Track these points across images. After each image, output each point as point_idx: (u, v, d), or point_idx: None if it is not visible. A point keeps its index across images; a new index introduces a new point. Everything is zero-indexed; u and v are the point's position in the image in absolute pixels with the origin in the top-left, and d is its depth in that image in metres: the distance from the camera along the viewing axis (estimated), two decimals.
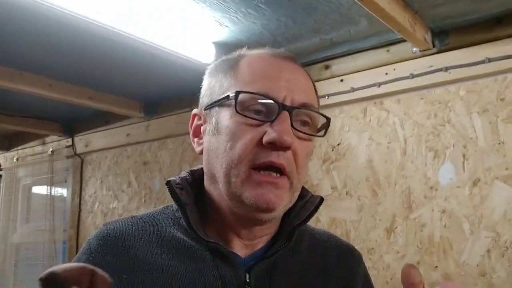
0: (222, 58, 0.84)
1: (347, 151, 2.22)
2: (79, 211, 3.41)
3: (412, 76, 2.05)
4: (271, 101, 0.73)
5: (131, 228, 0.79)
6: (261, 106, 0.73)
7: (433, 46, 2.00)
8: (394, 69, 2.11)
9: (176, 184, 0.79)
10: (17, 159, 3.93)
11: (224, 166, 0.74)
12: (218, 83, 0.79)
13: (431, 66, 2.02)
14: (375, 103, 2.17)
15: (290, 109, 0.73)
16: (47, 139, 3.72)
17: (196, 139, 0.82)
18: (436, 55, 2.01)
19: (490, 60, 1.88)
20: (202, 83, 0.84)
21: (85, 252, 0.77)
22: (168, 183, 0.78)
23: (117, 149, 3.26)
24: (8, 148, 4.03)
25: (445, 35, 1.99)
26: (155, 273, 0.74)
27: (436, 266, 1.92)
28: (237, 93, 0.73)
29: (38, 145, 3.79)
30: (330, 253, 0.88)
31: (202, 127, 0.81)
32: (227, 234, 0.78)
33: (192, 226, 0.76)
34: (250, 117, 0.73)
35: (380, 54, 2.14)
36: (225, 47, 2.12)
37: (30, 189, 3.92)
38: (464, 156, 1.92)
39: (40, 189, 3.84)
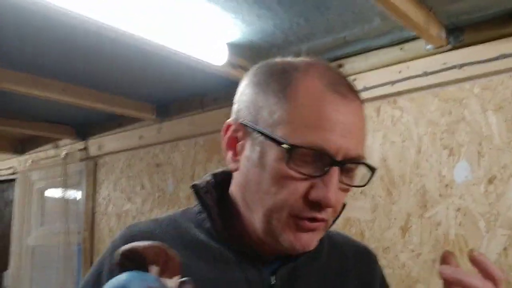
0: (270, 64, 0.77)
1: None
2: (93, 214, 3.44)
3: (426, 74, 2.04)
4: (324, 155, 0.69)
5: (155, 230, 0.79)
6: (312, 157, 0.70)
7: (448, 43, 1.98)
8: (408, 67, 2.10)
9: (201, 188, 0.79)
10: (30, 163, 3.96)
11: (266, 207, 0.72)
12: (266, 106, 0.73)
13: (445, 64, 2.00)
14: (388, 102, 2.16)
15: (341, 165, 0.70)
16: (60, 143, 3.75)
17: (230, 153, 0.78)
18: (450, 52, 2.00)
19: (505, 56, 1.87)
20: (245, 82, 0.79)
21: (110, 254, 0.76)
22: (194, 186, 0.79)
23: (130, 151, 3.27)
24: (21, 152, 4.06)
25: (460, 32, 1.97)
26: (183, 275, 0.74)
27: None
28: (292, 147, 0.68)
29: (51, 148, 3.82)
30: (347, 255, 0.89)
31: (239, 143, 0.76)
32: (251, 239, 0.78)
33: (217, 229, 0.76)
34: (300, 172, 0.69)
35: (394, 52, 2.13)
36: (238, 48, 2.12)
37: (43, 192, 3.95)
38: (479, 153, 1.91)
39: (54, 192, 3.87)
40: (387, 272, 2.02)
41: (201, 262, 0.75)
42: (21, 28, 1.94)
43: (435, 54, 2.04)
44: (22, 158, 4.07)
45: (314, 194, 0.69)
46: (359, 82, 2.22)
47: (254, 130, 0.73)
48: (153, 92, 2.80)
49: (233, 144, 0.77)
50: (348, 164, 0.71)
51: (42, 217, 3.91)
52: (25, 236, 3.96)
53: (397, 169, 2.09)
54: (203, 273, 0.74)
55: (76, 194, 3.63)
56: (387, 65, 2.15)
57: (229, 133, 0.77)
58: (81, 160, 3.55)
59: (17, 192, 4.13)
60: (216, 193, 0.80)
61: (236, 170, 0.77)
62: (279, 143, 0.69)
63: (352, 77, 2.24)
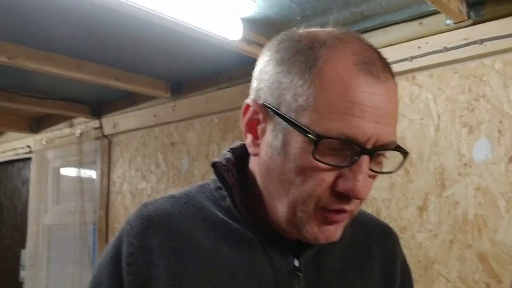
0: (294, 38, 0.69)
1: None
2: (108, 192, 3.45)
3: (446, 49, 1.98)
4: (353, 144, 0.63)
5: (173, 208, 0.76)
6: (340, 146, 0.64)
7: (468, 18, 1.92)
8: (427, 43, 2.04)
9: (223, 166, 0.75)
10: (46, 142, 3.99)
11: (291, 198, 0.67)
12: (290, 88, 0.66)
13: (465, 39, 1.94)
14: (407, 78, 2.11)
15: (371, 153, 0.64)
16: (75, 121, 3.76)
17: (251, 137, 0.72)
18: (471, 27, 1.94)
19: None
20: (265, 58, 0.72)
21: (128, 235, 0.73)
22: (214, 165, 0.75)
23: (145, 130, 3.27)
24: (36, 130, 4.09)
25: (481, 6, 1.91)
26: (204, 257, 0.71)
27: (470, 245, 1.87)
28: (319, 138, 0.62)
29: (66, 127, 3.84)
30: (371, 234, 0.86)
31: (260, 126, 0.70)
32: (272, 219, 0.74)
33: (239, 209, 0.73)
34: (325, 163, 0.64)
35: (413, 27, 2.07)
36: (253, 23, 2.08)
37: (59, 171, 3.98)
38: (499, 131, 1.85)
39: (69, 171, 3.90)
40: (404, 252, 2.01)
41: (223, 245, 0.73)
42: (34, 4, 1.92)
43: (455, 29, 1.97)
44: (38, 136, 4.10)
45: (343, 186, 0.64)
46: None
47: (277, 114, 0.67)
48: (167, 69, 2.78)
49: (253, 126, 0.71)
50: (379, 151, 0.66)
51: (58, 196, 3.95)
52: (42, 215, 4.01)
53: (415, 148, 2.05)
54: (227, 255, 0.72)
55: (91, 173, 3.65)
56: (406, 41, 2.09)
57: (248, 114, 0.71)
58: (96, 138, 3.56)
59: (33, 171, 4.17)
60: (236, 170, 0.77)
61: (256, 154, 0.72)
62: (304, 131, 0.63)
63: None
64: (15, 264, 4.21)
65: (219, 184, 0.77)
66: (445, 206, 1.95)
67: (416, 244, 2.00)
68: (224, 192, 0.75)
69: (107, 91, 3.08)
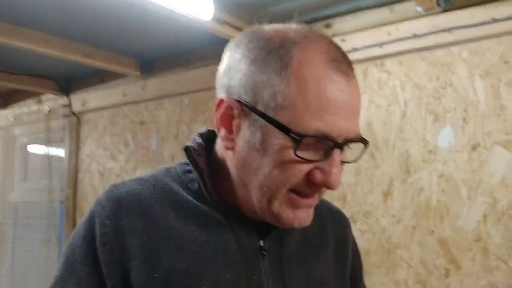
0: (264, 37, 0.72)
1: None
2: (76, 171, 3.40)
3: (415, 36, 1.99)
4: (327, 140, 0.69)
5: (143, 190, 0.78)
6: (314, 141, 0.69)
7: (438, 5, 1.93)
8: (397, 29, 2.04)
9: (195, 150, 0.78)
10: (13, 118, 3.90)
11: (265, 189, 0.72)
12: (267, 87, 0.69)
13: (434, 27, 1.95)
14: (376, 64, 2.12)
15: (341, 146, 0.70)
16: (43, 98, 3.68)
17: (224, 131, 0.74)
18: (440, 15, 1.95)
19: (495, 20, 1.82)
20: (235, 56, 0.74)
21: (99, 216, 0.74)
22: (187, 149, 0.79)
23: (114, 108, 3.21)
24: (3, 106, 3.98)
25: None
26: (175, 237, 0.74)
27: (432, 231, 1.90)
28: (302, 137, 0.67)
29: (34, 103, 3.75)
30: (325, 216, 0.91)
31: (234, 122, 0.73)
32: (239, 202, 0.78)
33: (208, 192, 0.76)
34: (306, 159, 0.68)
35: (383, 13, 2.08)
36: (224, 4, 2.05)
37: (26, 148, 3.91)
38: (464, 120, 1.88)
39: (37, 148, 3.82)
40: (367, 236, 2.04)
41: (192, 225, 0.75)
42: None
43: (425, 16, 1.98)
44: (4, 112, 4.00)
45: (319, 178, 0.69)
46: (347, 43, 2.17)
47: (255, 112, 0.70)
48: (137, 47, 2.73)
49: (227, 121, 0.74)
50: (348, 143, 0.71)
51: (25, 173, 3.88)
52: (8, 192, 3.93)
53: (381, 133, 2.06)
54: (197, 236, 0.75)
55: (59, 151, 3.59)
56: (376, 26, 2.10)
57: (221, 109, 0.74)
58: (64, 116, 3.49)
59: None
60: (207, 155, 0.80)
61: (231, 149, 0.75)
62: (286, 130, 0.67)
63: (340, 37, 2.19)
64: None
65: (187, 168, 0.80)
66: (409, 192, 1.98)
67: (380, 229, 2.03)
68: (193, 175, 0.78)
69: (76, 68, 3.02)
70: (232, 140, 0.74)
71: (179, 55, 2.80)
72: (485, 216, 1.80)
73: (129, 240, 0.72)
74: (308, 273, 0.81)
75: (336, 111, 0.67)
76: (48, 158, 3.63)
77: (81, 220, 0.78)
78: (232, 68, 0.73)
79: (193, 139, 0.82)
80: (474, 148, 1.85)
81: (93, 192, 3.28)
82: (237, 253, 0.75)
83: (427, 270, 1.90)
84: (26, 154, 3.90)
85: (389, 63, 2.08)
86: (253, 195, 0.74)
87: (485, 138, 1.83)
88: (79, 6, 2.14)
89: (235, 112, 0.72)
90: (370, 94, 2.11)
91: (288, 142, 0.67)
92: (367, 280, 2.05)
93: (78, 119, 3.43)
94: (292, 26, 0.74)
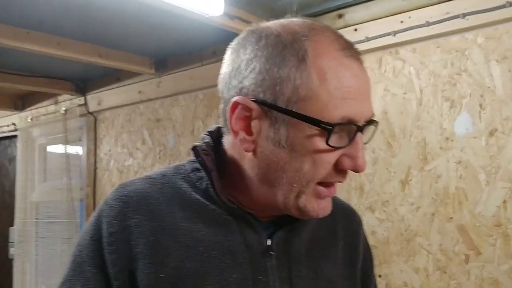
0: (272, 34, 0.71)
1: None
2: (95, 169, 3.45)
3: (428, 23, 1.98)
4: (351, 124, 0.70)
5: (151, 189, 0.77)
6: (339, 127, 0.69)
7: None
8: (410, 17, 2.03)
9: (203, 150, 0.78)
10: (31, 119, 3.96)
11: (294, 184, 0.71)
12: (288, 81, 0.68)
13: (447, 13, 1.94)
14: (390, 52, 2.11)
15: (363, 129, 0.71)
16: (60, 98, 3.73)
17: (243, 134, 0.72)
18: (453, 1, 1.93)
19: (511, 4, 1.80)
20: (244, 57, 0.72)
21: (107, 215, 0.75)
22: (194, 149, 0.78)
23: (130, 106, 3.25)
24: (21, 108, 4.05)
25: None
26: (182, 237, 0.74)
27: (451, 218, 1.90)
28: (333, 126, 0.67)
29: (51, 104, 3.81)
30: (335, 215, 0.89)
31: (253, 123, 0.71)
32: (249, 203, 0.78)
33: (217, 192, 0.75)
34: (337, 147, 0.69)
35: (395, 1, 2.06)
36: (232, 0, 2.05)
37: (45, 148, 3.97)
38: (481, 105, 1.87)
39: (55, 148, 3.88)
40: (386, 225, 2.04)
41: (200, 225, 0.75)
42: None
43: (438, 3, 1.96)
44: (23, 114, 4.06)
45: (347, 164, 0.70)
46: (360, 33, 2.16)
47: (276, 109, 0.69)
48: (151, 45, 2.75)
49: (245, 123, 0.72)
50: (367, 126, 0.72)
51: (45, 173, 3.94)
52: (29, 192, 4.00)
53: (398, 122, 2.06)
54: (204, 235, 0.74)
55: (77, 150, 3.64)
56: (389, 15, 2.09)
57: (237, 111, 0.72)
58: (81, 115, 3.54)
59: (19, 149, 4.14)
60: (216, 155, 0.79)
61: (251, 151, 0.73)
62: (316, 122, 0.67)
63: (353, 28, 2.18)
64: (4, 241, 4.22)
65: (196, 166, 0.79)
66: (427, 180, 1.97)
67: (399, 217, 2.03)
68: (201, 174, 0.77)
69: (91, 68, 3.05)
70: (253, 142, 0.72)
71: (192, 52, 2.82)
72: (504, 202, 1.79)
73: (136, 240, 0.73)
74: (316, 272, 0.81)
75: (356, 96, 0.69)
76: (67, 157, 3.69)
77: (89, 219, 0.79)
78: (242, 69, 0.72)
79: (202, 138, 0.81)
80: (492, 133, 1.84)
81: (112, 189, 3.31)
82: (244, 254, 0.75)
83: (447, 256, 1.90)
84: (45, 154, 3.96)
85: (403, 51, 2.07)
86: (279, 193, 0.73)
87: (502, 123, 1.81)
88: (91, 8, 2.16)
89: (253, 113, 0.71)
90: (386, 82, 2.11)
91: (317, 133, 0.68)
92: (387, 268, 2.07)
93: (95, 118, 3.47)
94: (295, 21, 0.73)
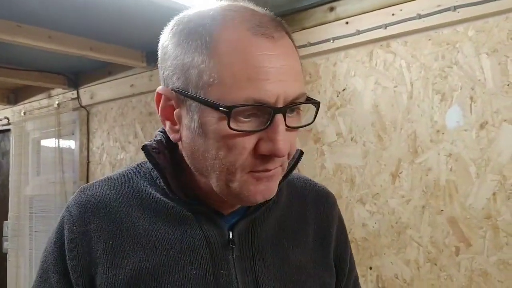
0: (185, 20, 0.71)
1: (352, 97, 2.18)
2: (88, 163, 3.45)
3: (420, 16, 1.98)
4: (264, 107, 0.65)
5: (110, 192, 0.77)
6: (253, 111, 0.66)
7: None
8: (401, 10, 2.03)
9: (153, 148, 0.76)
10: (24, 113, 3.94)
11: (217, 172, 0.69)
12: (193, 68, 0.67)
13: (439, 6, 1.94)
14: (381, 45, 2.11)
15: (283, 110, 0.66)
16: (53, 92, 3.72)
17: (168, 123, 0.72)
18: None
19: None
20: (163, 45, 0.73)
21: (68, 222, 0.76)
22: (144, 147, 0.76)
23: (122, 100, 3.24)
24: (14, 102, 4.04)
25: None
26: (140, 237, 0.74)
27: (442, 210, 1.91)
28: (231, 109, 0.64)
29: (44, 98, 3.79)
30: (307, 199, 0.89)
31: (175, 112, 0.71)
32: (207, 196, 0.76)
33: (172, 189, 0.74)
34: (243, 130, 0.66)
35: None
36: None
37: (39, 142, 3.96)
38: (471, 98, 1.87)
39: (48, 142, 3.87)
40: (377, 218, 2.05)
41: (159, 223, 0.75)
42: None
43: None
44: (16, 108, 4.05)
45: (264, 148, 0.66)
46: (352, 26, 2.16)
47: (187, 96, 0.68)
48: (142, 39, 2.73)
49: (169, 113, 0.72)
50: (290, 107, 0.67)
51: (38, 167, 3.94)
52: (23, 186, 4.00)
53: (389, 115, 2.06)
54: (163, 234, 0.74)
55: (70, 144, 3.63)
56: (380, 8, 2.08)
57: (162, 103, 0.72)
58: (74, 109, 3.53)
59: (12, 143, 4.13)
60: (168, 151, 0.77)
61: (178, 140, 0.73)
62: (216, 106, 0.64)
63: (344, 21, 2.18)
64: None
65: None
66: (417, 173, 1.98)
67: (389, 210, 2.04)
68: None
69: (83, 62, 3.04)
70: (178, 131, 0.71)
71: None
72: (494, 194, 1.80)
73: (95, 246, 0.73)
74: (283, 259, 0.80)
75: (266, 76, 0.64)
76: (60, 151, 3.68)
77: (55, 225, 0.79)
78: (162, 59, 0.72)
79: (154, 136, 0.80)
80: (482, 126, 1.84)
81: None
82: (204, 249, 0.74)
83: (438, 248, 1.91)
84: (39, 148, 3.95)
85: (394, 44, 2.07)
86: (212, 181, 0.71)
87: (493, 116, 1.82)
88: (83, 1, 2.15)
89: (173, 102, 0.70)
90: (376, 76, 2.11)
91: (223, 117, 0.65)
92: (378, 260, 2.07)
93: (88, 112, 3.47)
94: (216, 4, 0.71)
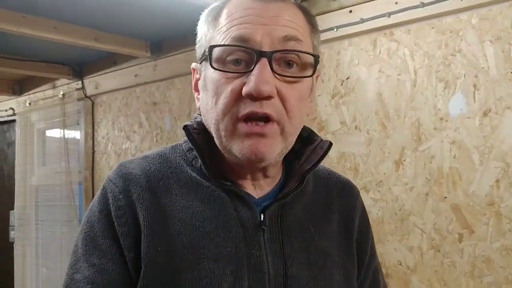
0: (210, 5, 0.81)
1: (356, 85, 2.19)
2: (93, 153, 3.47)
3: (423, 4, 1.98)
4: (246, 49, 0.71)
5: (149, 167, 0.81)
6: (240, 55, 0.72)
7: None
8: None
9: (194, 129, 0.80)
10: (29, 104, 3.96)
11: (213, 122, 0.74)
12: (204, 36, 0.78)
13: None
14: (385, 34, 2.11)
15: (268, 54, 0.70)
16: (58, 83, 3.73)
17: (196, 94, 0.83)
18: None
19: None
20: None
21: (112, 191, 0.78)
22: (185, 127, 0.79)
23: (126, 90, 3.26)
24: (19, 93, 4.06)
25: None
26: (178, 212, 0.76)
27: (445, 197, 1.93)
28: (210, 48, 0.73)
29: (49, 88, 3.81)
30: (331, 189, 0.92)
31: (198, 82, 0.81)
32: (238, 176, 0.80)
33: (209, 169, 0.78)
34: (227, 71, 0.72)
35: None
36: None
37: (44, 132, 3.98)
38: (475, 86, 1.88)
39: (54, 132, 3.89)
40: (380, 205, 2.07)
41: (196, 201, 0.78)
42: None
43: None
44: (21, 99, 4.07)
45: (245, 88, 0.70)
46: (355, 14, 2.16)
47: (201, 61, 0.78)
48: (146, 29, 2.75)
49: (196, 84, 0.82)
50: (277, 52, 0.71)
51: (44, 157, 3.96)
52: (29, 176, 4.03)
53: (392, 103, 2.07)
54: (199, 211, 0.77)
55: (75, 134, 3.66)
56: None
57: (194, 77, 0.83)
58: (79, 99, 3.55)
59: (18, 133, 4.16)
60: (206, 133, 0.80)
61: (199, 106, 0.81)
62: (203, 54, 0.76)
63: (348, 9, 2.19)
64: (5, 224, 4.26)
65: (190, 145, 0.81)
66: (420, 160, 1.99)
67: (393, 197, 2.06)
68: (196, 153, 0.80)
69: (88, 52, 3.05)
70: (199, 99, 0.81)
71: (187, 35, 2.81)
72: (497, 181, 1.82)
73: (140, 214, 0.75)
74: (310, 244, 0.82)
75: (248, 21, 0.72)
76: (65, 141, 3.70)
77: (94, 199, 0.81)
78: (197, 39, 0.83)
79: (194, 117, 0.84)
80: (486, 114, 1.85)
81: (112, 169, 3.34)
82: (238, 228, 0.77)
83: (441, 235, 1.93)
84: (44, 139, 3.98)
85: (398, 32, 2.08)
86: (214, 137, 0.76)
87: (496, 103, 1.83)
88: None
89: (198, 73, 0.81)
90: (380, 64, 2.12)
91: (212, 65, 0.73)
92: (382, 247, 2.09)
93: (92, 102, 3.48)
94: None
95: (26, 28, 2.39)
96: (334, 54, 2.26)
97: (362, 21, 2.14)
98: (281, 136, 0.74)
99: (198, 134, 0.80)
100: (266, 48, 0.70)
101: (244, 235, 0.77)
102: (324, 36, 2.26)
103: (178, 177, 0.80)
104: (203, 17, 0.80)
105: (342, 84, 2.23)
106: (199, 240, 0.75)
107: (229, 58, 0.72)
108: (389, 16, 2.07)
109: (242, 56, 0.71)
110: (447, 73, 1.94)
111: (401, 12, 2.04)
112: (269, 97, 0.70)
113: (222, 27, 0.74)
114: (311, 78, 0.77)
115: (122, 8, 2.39)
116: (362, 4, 2.15)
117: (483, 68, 1.86)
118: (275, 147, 0.74)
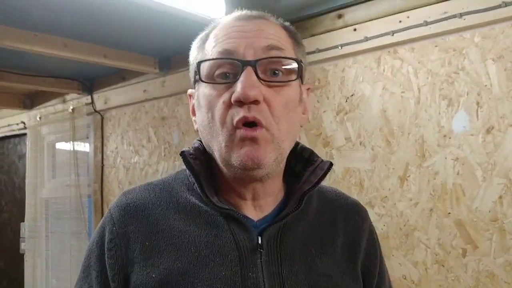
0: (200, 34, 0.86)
1: (360, 102, 2.22)
2: (102, 166, 3.52)
3: (426, 23, 2.01)
4: (231, 60, 0.75)
5: (149, 196, 0.84)
6: (227, 68, 0.76)
7: None
8: (408, 17, 2.07)
9: (190, 155, 0.82)
10: (40, 118, 4.02)
11: (213, 135, 0.77)
12: (194, 60, 0.83)
13: (445, 13, 1.97)
14: (389, 52, 2.15)
15: (252, 63, 0.74)
16: (67, 97, 3.79)
17: (193, 118, 0.86)
18: (450, 1, 1.97)
19: (506, 4, 1.83)
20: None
21: (109, 222, 0.82)
22: (182, 153, 0.82)
23: (135, 105, 3.31)
24: (30, 107, 4.12)
25: None
26: (175, 238, 0.79)
27: (449, 213, 1.95)
28: (198, 64, 0.78)
29: (59, 103, 3.87)
30: (337, 211, 0.92)
31: (194, 105, 0.85)
32: (237, 199, 0.82)
33: (206, 193, 0.80)
34: (216, 82, 0.76)
35: (394, 1, 2.10)
36: (233, 1, 2.10)
37: (54, 146, 4.03)
38: (478, 103, 1.91)
39: (64, 146, 3.95)
40: (385, 220, 2.10)
41: (193, 226, 0.80)
42: None
43: (435, 3, 2.00)
44: (32, 113, 4.13)
45: (234, 95, 0.74)
46: (360, 33, 2.20)
47: (194, 83, 0.83)
48: (155, 46, 2.79)
49: (193, 108, 0.86)
50: (261, 60, 0.75)
51: (54, 170, 4.01)
52: (39, 189, 4.08)
53: (396, 120, 2.10)
54: (196, 235, 0.79)
55: (85, 148, 3.71)
56: (388, 15, 2.12)
57: (191, 102, 0.87)
58: (88, 114, 3.60)
59: (28, 147, 4.21)
60: (205, 158, 0.83)
61: (197, 128, 0.84)
62: (194, 71, 0.81)
63: (352, 27, 2.23)
64: (16, 236, 4.31)
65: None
66: (425, 176, 2.02)
67: (397, 213, 2.08)
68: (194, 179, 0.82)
69: (97, 68, 3.11)
70: (196, 122, 0.85)
71: None
72: (500, 197, 1.84)
73: (133, 246, 0.79)
74: (311, 266, 0.82)
75: (232, 36, 0.77)
76: (75, 155, 3.75)
77: (98, 225, 0.86)
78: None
79: (192, 143, 0.87)
80: (489, 131, 1.88)
81: (119, 186, 3.39)
82: (234, 252, 0.77)
83: (445, 250, 1.95)
84: (54, 152, 4.03)
85: (401, 51, 2.11)
86: (214, 153, 0.79)
87: (499, 121, 1.86)
88: (96, 10, 2.21)
89: (194, 97, 0.85)
90: (384, 81, 2.15)
91: (204, 85, 0.78)
92: (386, 262, 2.10)
93: (102, 117, 3.54)
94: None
95: (38, 46, 2.45)
96: (339, 72, 2.30)
97: (367, 39, 2.18)
98: (273, 143, 0.76)
99: (195, 159, 0.82)
100: (250, 58, 0.75)
101: (240, 258, 0.77)
102: (329, 54, 2.31)
103: (177, 203, 0.82)
104: (194, 44, 0.86)
105: (346, 101, 2.27)
106: (194, 266, 0.76)
107: (217, 72, 0.77)
108: (393, 35, 2.10)
109: (229, 69, 0.76)
110: (451, 90, 1.97)
111: (405, 30, 2.07)
112: (256, 101, 0.73)
113: (209, 47, 0.80)
114: (299, 87, 0.81)
115: (131, 26, 2.44)
116: (366, 23, 2.19)
117: (486, 86, 1.89)
118: (269, 153, 0.75)
